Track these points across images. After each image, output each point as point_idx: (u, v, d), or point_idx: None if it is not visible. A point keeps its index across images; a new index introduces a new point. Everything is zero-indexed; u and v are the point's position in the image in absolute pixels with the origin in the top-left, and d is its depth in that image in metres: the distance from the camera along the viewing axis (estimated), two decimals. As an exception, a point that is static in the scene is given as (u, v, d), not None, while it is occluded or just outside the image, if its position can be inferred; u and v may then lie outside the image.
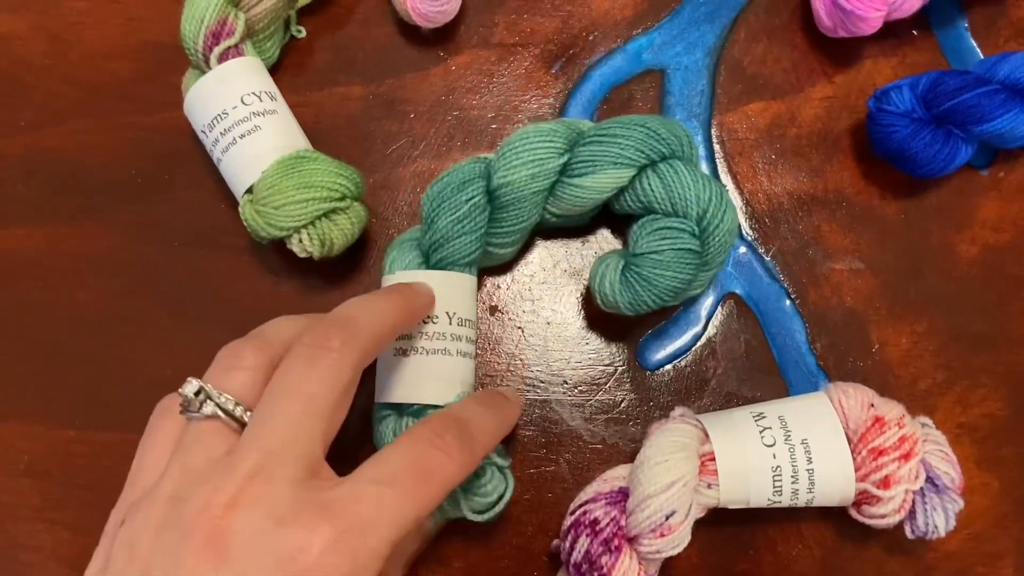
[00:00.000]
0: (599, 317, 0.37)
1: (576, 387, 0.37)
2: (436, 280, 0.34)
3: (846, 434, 0.33)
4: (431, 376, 0.33)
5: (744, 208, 0.39)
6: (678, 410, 0.35)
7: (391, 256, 0.35)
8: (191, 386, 0.26)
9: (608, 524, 0.32)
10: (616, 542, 0.32)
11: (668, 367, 0.37)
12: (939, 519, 0.33)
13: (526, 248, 0.39)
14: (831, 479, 0.32)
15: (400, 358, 0.33)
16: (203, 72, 0.37)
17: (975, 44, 0.41)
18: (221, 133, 0.36)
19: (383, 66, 0.41)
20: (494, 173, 0.34)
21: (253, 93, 0.36)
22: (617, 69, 0.41)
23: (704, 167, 0.40)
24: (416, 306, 0.32)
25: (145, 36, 0.41)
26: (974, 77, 0.37)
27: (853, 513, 0.33)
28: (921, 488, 0.32)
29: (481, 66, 0.41)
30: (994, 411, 0.37)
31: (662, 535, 0.32)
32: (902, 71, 0.40)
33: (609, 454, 0.36)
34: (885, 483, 0.32)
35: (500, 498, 0.33)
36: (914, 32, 0.41)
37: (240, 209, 0.35)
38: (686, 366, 0.37)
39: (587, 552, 0.32)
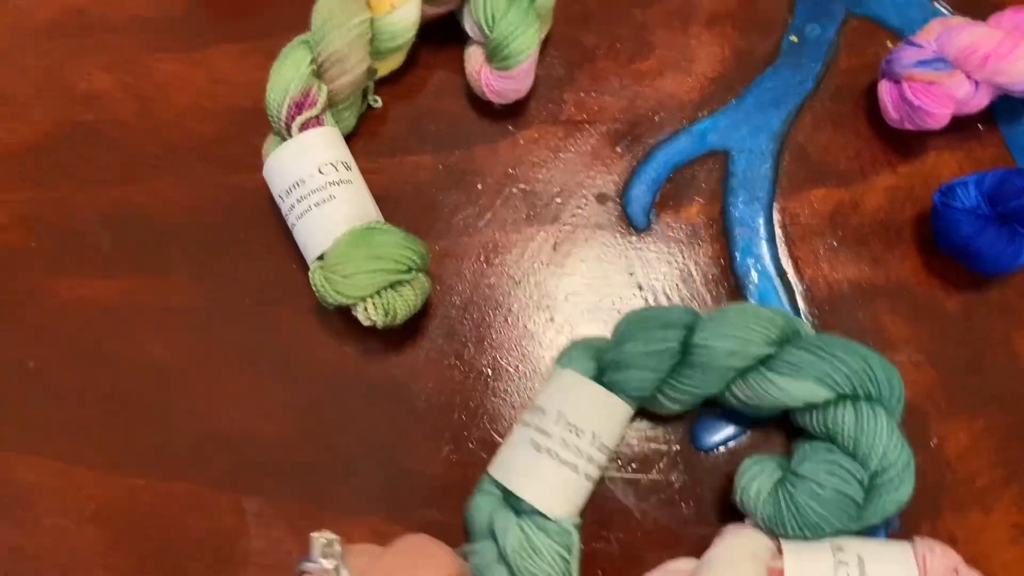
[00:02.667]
0: (656, 396, 0.38)
1: (629, 464, 0.37)
2: (599, 397, 0.35)
3: None
4: (549, 483, 0.34)
5: (804, 294, 0.39)
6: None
7: (569, 354, 0.36)
8: (324, 536, 0.27)
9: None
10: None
11: (722, 449, 0.38)
12: None
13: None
14: None
15: (531, 450, 0.34)
16: (284, 139, 0.38)
17: (1042, 140, 0.41)
18: (297, 200, 0.37)
19: (454, 137, 0.42)
20: (698, 330, 0.34)
21: (330, 163, 0.37)
22: (681, 149, 0.42)
23: (765, 250, 0.40)
24: None
25: (229, 99, 0.43)
26: (1045, 176, 0.37)
27: None
28: None
29: (548, 141, 0.42)
30: (1055, 514, 0.36)
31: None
32: (967, 165, 0.40)
33: (660, 536, 0.37)
34: None
35: None
36: (980, 127, 0.41)
37: (310, 274, 0.37)
38: (741, 450, 0.37)
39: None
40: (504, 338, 0.39)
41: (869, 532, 0.34)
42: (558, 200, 0.41)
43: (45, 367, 0.40)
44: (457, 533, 0.37)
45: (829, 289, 0.39)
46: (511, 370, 0.39)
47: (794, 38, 0.43)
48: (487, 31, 0.39)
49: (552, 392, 0.36)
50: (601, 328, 0.39)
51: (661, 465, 0.37)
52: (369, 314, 0.36)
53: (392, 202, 0.40)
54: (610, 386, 0.35)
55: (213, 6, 0.45)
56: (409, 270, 0.36)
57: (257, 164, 0.39)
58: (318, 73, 0.38)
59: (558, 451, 0.34)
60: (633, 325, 0.36)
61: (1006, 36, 0.38)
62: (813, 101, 0.42)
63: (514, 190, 0.41)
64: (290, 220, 0.38)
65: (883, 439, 0.33)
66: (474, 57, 0.40)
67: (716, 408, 0.38)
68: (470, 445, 0.38)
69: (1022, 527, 0.36)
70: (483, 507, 0.35)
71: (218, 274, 0.41)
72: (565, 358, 0.37)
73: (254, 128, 0.42)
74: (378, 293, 0.36)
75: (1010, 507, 0.36)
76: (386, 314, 0.36)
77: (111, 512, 0.38)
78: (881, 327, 0.39)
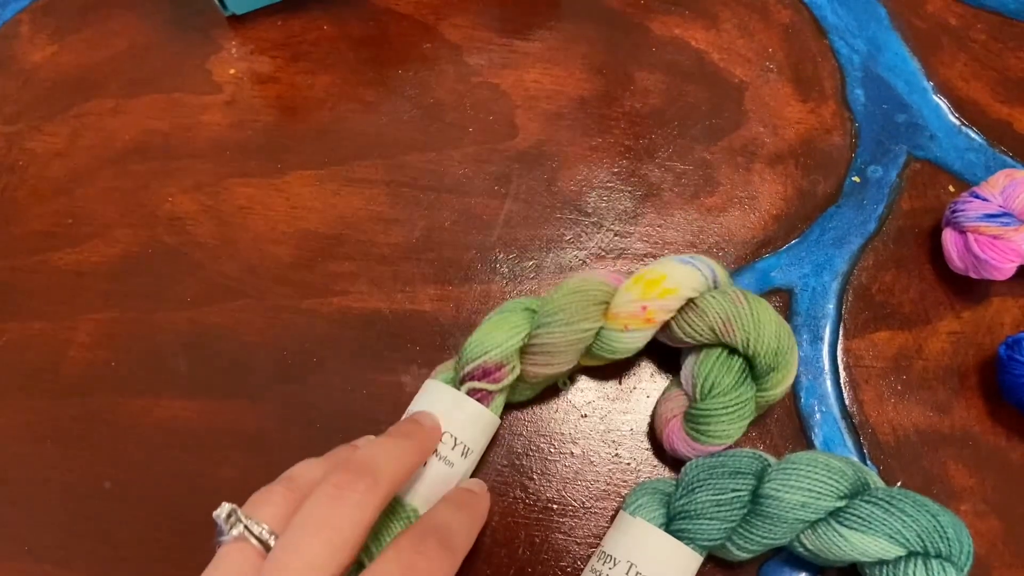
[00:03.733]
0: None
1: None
2: (671, 548, 0.35)
3: None
4: None
5: (869, 437, 0.40)
6: None
7: (638, 500, 0.36)
8: (223, 509, 0.29)
9: None
10: None
11: (788, 595, 0.38)
12: None
13: (652, 462, 0.40)
14: None
15: None
16: (455, 375, 0.38)
17: (1105, 290, 0.41)
18: None
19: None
20: (768, 479, 0.35)
21: (457, 440, 0.36)
22: (746, 286, 0.43)
23: (830, 391, 0.41)
24: (430, 448, 0.35)
25: (305, 224, 0.45)
26: (1108, 336, 0.37)
27: None
28: None
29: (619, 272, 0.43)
30: None
31: None
32: (1030, 313, 0.41)
33: None
34: None
35: None
36: (1039, 270, 0.42)
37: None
38: (807, 598, 0.38)
39: None
40: (570, 472, 0.40)
41: None
42: (624, 334, 0.42)
43: (120, 487, 0.41)
44: None
45: (894, 434, 0.40)
46: (576, 505, 0.39)
47: (856, 178, 0.44)
48: (697, 396, 0.37)
49: (622, 539, 0.36)
50: (667, 468, 0.39)
51: (729, 611, 0.38)
52: None
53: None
54: (679, 534, 0.36)
55: (291, 133, 0.47)
56: None
57: (331, 288, 0.41)
58: (523, 350, 0.37)
59: None
60: (703, 471, 0.36)
61: (1069, 191, 0.39)
62: (876, 242, 0.43)
63: (581, 323, 0.42)
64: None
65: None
66: (672, 403, 0.39)
67: (783, 553, 0.38)
68: (532, 592, 0.39)
69: None
70: None
71: (290, 398, 0.42)
72: (634, 505, 0.37)
73: (329, 253, 0.43)
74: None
75: (1079, 666, 0.36)
76: None
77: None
78: (946, 475, 0.39)
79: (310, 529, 0.28)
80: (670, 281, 0.37)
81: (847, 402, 0.40)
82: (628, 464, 0.40)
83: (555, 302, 0.37)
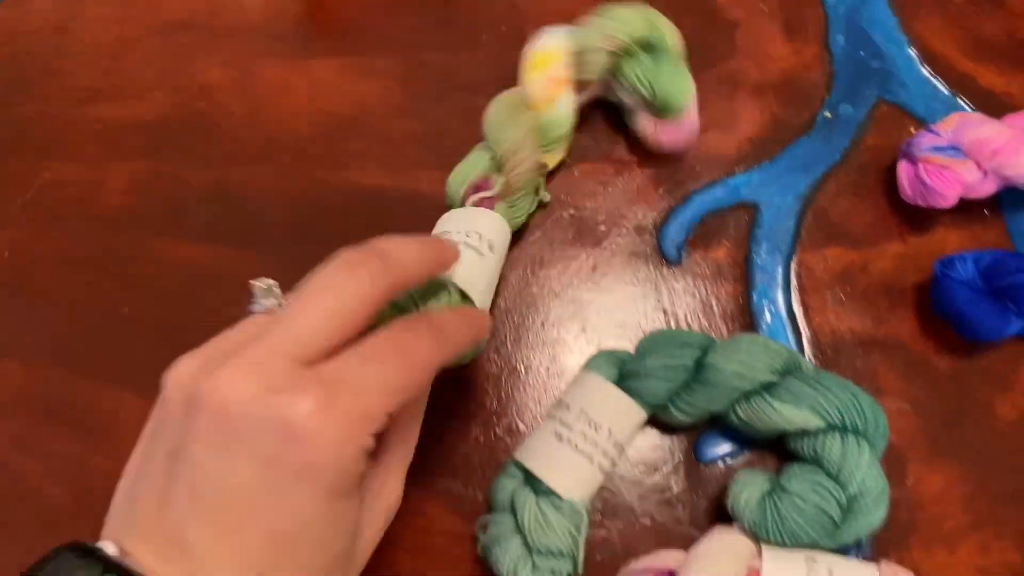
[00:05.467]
0: (667, 409, 0.43)
1: (637, 465, 0.42)
2: (618, 399, 0.39)
3: None
4: (566, 469, 0.38)
5: (810, 338, 0.44)
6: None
7: (595, 361, 0.41)
8: (263, 282, 0.32)
9: (660, 588, 0.37)
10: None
11: (720, 464, 0.42)
12: None
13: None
14: None
15: (554, 439, 0.39)
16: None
17: (1041, 232, 0.46)
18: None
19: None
20: (712, 352, 0.39)
21: (479, 233, 0.41)
22: (717, 198, 0.47)
23: (780, 295, 0.45)
24: (446, 261, 0.36)
25: (324, 106, 0.49)
26: (1034, 261, 0.42)
27: None
28: None
29: (600, 176, 0.47)
30: (1013, 561, 0.40)
31: (694, 618, 0.36)
32: (969, 244, 0.45)
33: (656, 532, 0.41)
34: None
35: None
36: (986, 212, 0.46)
37: None
38: (737, 466, 0.42)
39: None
40: (539, 341, 0.44)
41: (841, 552, 0.38)
42: (602, 227, 0.46)
43: (136, 314, 0.45)
44: (475, 506, 0.42)
45: (833, 336, 0.44)
46: (542, 370, 0.44)
47: (828, 114, 0.48)
48: (648, 92, 0.44)
49: (577, 391, 0.41)
50: (626, 344, 0.44)
51: (664, 471, 0.42)
52: None
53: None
54: (628, 392, 0.40)
55: (319, 22, 0.52)
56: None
57: (343, 164, 0.45)
58: (497, 167, 0.43)
59: (577, 442, 0.39)
60: (655, 342, 0.41)
61: (1016, 134, 0.43)
62: (838, 171, 0.47)
63: (564, 214, 0.47)
64: None
65: (863, 468, 0.37)
66: (644, 121, 0.46)
67: (718, 426, 0.42)
68: (496, 431, 0.43)
69: (983, 570, 0.40)
70: (506, 486, 0.40)
71: (298, 255, 0.46)
72: (591, 364, 0.42)
73: (344, 133, 0.48)
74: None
75: (974, 551, 0.40)
76: None
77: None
78: (876, 376, 0.43)
79: (315, 295, 0.30)
80: (549, 47, 0.46)
81: (794, 306, 0.45)
82: (591, 339, 0.44)
83: (491, 120, 0.44)
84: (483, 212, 0.43)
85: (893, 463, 0.42)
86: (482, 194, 0.43)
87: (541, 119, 0.45)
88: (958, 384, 0.43)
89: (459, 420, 0.43)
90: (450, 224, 0.42)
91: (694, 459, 0.42)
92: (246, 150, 0.48)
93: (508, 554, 0.38)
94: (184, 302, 0.46)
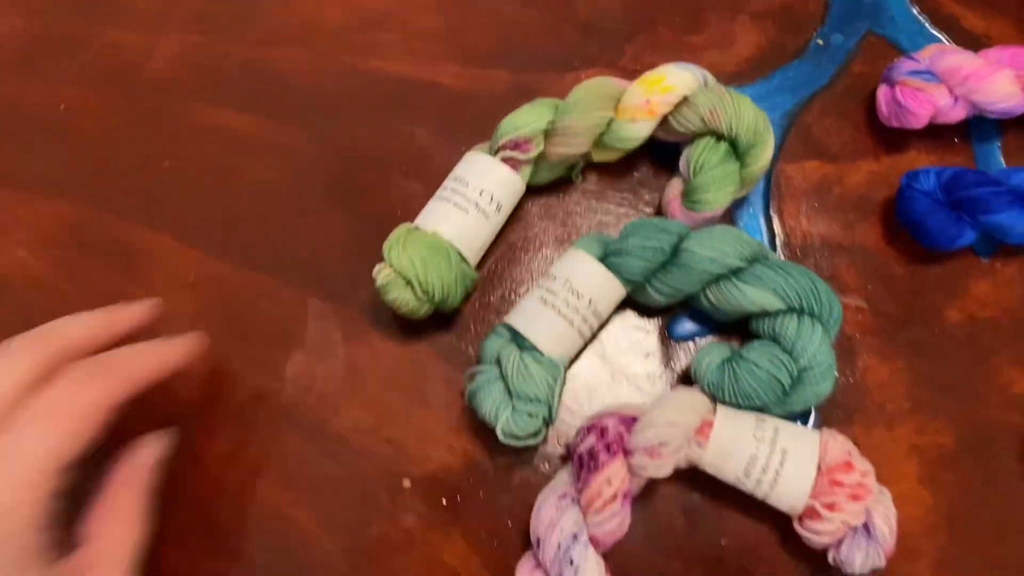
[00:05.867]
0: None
1: (615, 337, 0.47)
2: (600, 273, 0.44)
3: (819, 463, 0.40)
4: (549, 329, 0.43)
5: (783, 239, 0.48)
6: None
7: (583, 240, 0.45)
8: None
9: (614, 433, 0.41)
10: (615, 448, 0.41)
11: (690, 343, 0.47)
12: (858, 558, 0.39)
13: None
14: (791, 485, 0.40)
15: (539, 303, 0.43)
16: (488, 152, 0.47)
17: (1003, 161, 0.49)
18: (450, 189, 0.45)
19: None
20: (687, 239, 0.43)
21: (492, 195, 0.45)
22: (710, 110, 0.51)
23: (759, 199, 0.49)
24: (169, 357, 0.38)
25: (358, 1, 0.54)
26: (989, 178, 0.45)
27: (797, 525, 0.40)
28: (856, 528, 0.40)
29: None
30: (944, 443, 0.44)
31: (651, 456, 0.40)
32: (938, 165, 0.49)
33: (627, 393, 0.46)
34: (831, 507, 0.39)
35: (530, 435, 0.42)
36: (955, 140, 0.50)
37: (381, 264, 0.44)
38: (704, 343, 0.46)
39: (592, 448, 0.41)
40: (540, 230, 0.49)
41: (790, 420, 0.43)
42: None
43: (175, 167, 0.50)
44: (467, 360, 0.46)
45: (803, 239, 0.48)
46: (537, 249, 0.48)
47: (820, 42, 0.52)
48: (691, 174, 0.46)
49: (564, 264, 0.45)
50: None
51: (640, 345, 0.47)
52: (379, 275, 0.44)
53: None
54: (610, 268, 0.44)
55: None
56: (432, 299, 0.43)
57: (372, 52, 0.50)
58: (547, 134, 0.46)
59: (560, 307, 0.43)
60: (637, 227, 0.45)
61: (986, 64, 0.47)
62: (824, 93, 0.51)
63: (569, 112, 0.51)
64: (437, 193, 0.46)
65: (815, 344, 0.42)
66: (674, 187, 0.47)
67: (690, 310, 0.47)
68: (491, 297, 0.48)
69: (917, 448, 0.45)
70: (494, 343, 0.44)
71: (323, 129, 0.51)
72: (579, 243, 0.46)
73: (375, 24, 0.52)
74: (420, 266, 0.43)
75: (910, 431, 0.45)
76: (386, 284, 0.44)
77: (205, 285, 0.48)
78: (837, 274, 0.47)
79: (35, 419, 0.29)
80: (669, 80, 0.46)
81: (771, 210, 0.49)
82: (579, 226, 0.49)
83: (575, 95, 0.46)
84: (506, 171, 0.45)
85: (847, 353, 0.46)
86: (515, 154, 0.45)
87: (614, 125, 0.47)
88: (912, 288, 0.47)
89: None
90: (471, 171, 0.46)
91: (667, 336, 0.47)
92: (284, 32, 0.53)
93: (491, 398, 0.43)
94: (218, 162, 0.50)
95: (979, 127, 0.50)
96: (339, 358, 0.46)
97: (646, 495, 0.43)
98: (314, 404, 0.45)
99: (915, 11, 0.53)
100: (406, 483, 0.44)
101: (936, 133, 0.49)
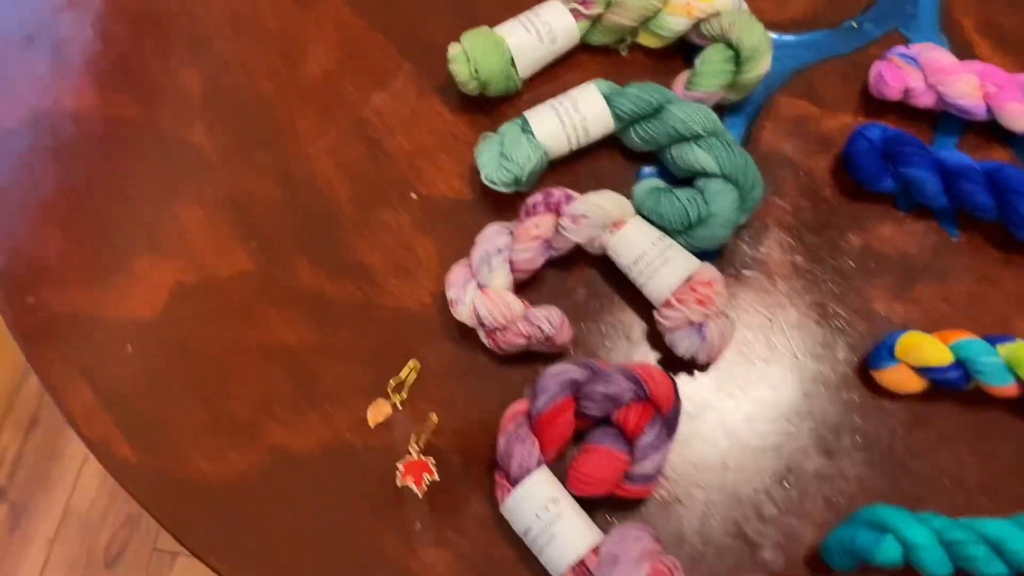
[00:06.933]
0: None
1: (597, 168, 0.61)
2: (599, 101, 0.58)
3: (690, 276, 0.53)
4: (546, 122, 0.57)
5: (753, 145, 0.61)
6: None
7: (597, 80, 0.59)
8: None
9: (556, 198, 0.56)
10: (552, 207, 0.55)
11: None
12: (681, 345, 0.53)
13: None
14: (662, 281, 0.53)
15: (548, 108, 0.58)
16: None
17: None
18: (527, 14, 0.61)
19: None
20: (671, 103, 0.57)
21: (553, 28, 0.60)
22: (746, 44, 0.65)
23: (746, 121, 0.62)
24: None
25: None
26: (921, 146, 0.57)
27: (655, 313, 0.54)
28: (693, 324, 0.53)
29: None
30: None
31: (574, 222, 0.55)
32: (897, 134, 0.60)
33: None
34: (681, 302, 0.52)
35: (503, 184, 0.58)
36: (924, 126, 0.61)
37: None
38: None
39: (536, 201, 0.56)
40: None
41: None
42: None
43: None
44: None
45: (767, 150, 0.61)
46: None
47: (855, 24, 0.65)
48: (697, 65, 0.60)
49: (576, 90, 0.60)
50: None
51: (615, 178, 0.61)
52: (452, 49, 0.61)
53: None
54: (610, 104, 0.59)
55: None
56: (479, 77, 0.60)
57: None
58: (609, 4, 0.59)
59: (560, 113, 0.58)
60: (638, 86, 0.59)
61: (960, 65, 0.58)
62: (839, 60, 0.63)
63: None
64: (520, 15, 0.63)
65: (726, 201, 0.54)
66: (682, 77, 0.60)
67: (656, 163, 0.61)
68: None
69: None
70: (509, 128, 0.60)
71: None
72: (595, 80, 0.61)
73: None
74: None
75: (771, 304, 0.57)
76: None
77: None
78: (780, 183, 0.59)
79: None
80: None
81: (753, 131, 0.62)
82: (613, 83, 0.64)
83: None
84: (567, 15, 0.61)
85: (759, 232, 0.59)
86: (581, 8, 0.59)
87: (663, 14, 0.59)
88: (833, 209, 0.59)
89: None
90: (545, 7, 0.61)
91: (636, 177, 0.61)
92: None
93: (488, 153, 0.59)
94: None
95: (946, 121, 0.61)
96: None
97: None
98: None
99: (940, 27, 0.64)
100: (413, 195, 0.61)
101: (911, 116, 0.60)
